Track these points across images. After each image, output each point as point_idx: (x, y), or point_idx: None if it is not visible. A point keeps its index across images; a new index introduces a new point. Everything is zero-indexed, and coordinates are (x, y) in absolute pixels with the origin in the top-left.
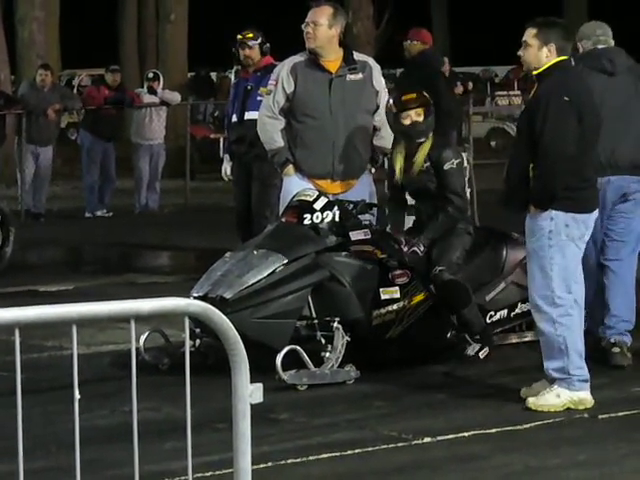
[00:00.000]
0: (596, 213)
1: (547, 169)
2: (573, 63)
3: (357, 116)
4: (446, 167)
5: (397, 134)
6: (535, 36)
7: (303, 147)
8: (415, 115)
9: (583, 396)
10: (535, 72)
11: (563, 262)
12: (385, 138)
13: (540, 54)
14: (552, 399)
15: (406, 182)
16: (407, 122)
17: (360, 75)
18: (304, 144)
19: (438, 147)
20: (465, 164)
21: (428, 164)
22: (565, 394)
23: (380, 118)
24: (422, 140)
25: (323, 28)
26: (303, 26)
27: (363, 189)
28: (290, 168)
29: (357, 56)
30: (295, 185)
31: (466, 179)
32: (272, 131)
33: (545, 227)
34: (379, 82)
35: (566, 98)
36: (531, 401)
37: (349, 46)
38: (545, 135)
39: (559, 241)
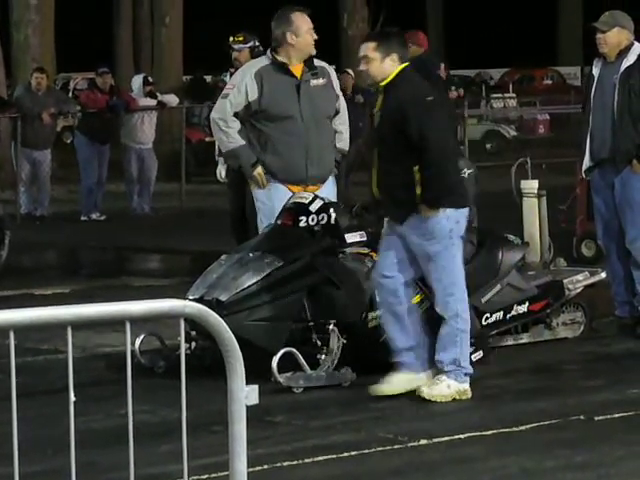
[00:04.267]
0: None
1: (440, 168)
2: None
3: (324, 121)
4: None
5: None
6: (376, 49)
7: (275, 154)
8: None
9: (466, 387)
10: (383, 83)
11: (459, 259)
12: (345, 141)
13: (384, 65)
14: (444, 390)
15: None
16: None
17: (322, 80)
18: (277, 151)
19: None
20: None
21: None
22: (454, 385)
23: (341, 121)
24: None
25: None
26: (307, 33)
27: (329, 190)
28: (261, 168)
29: (315, 61)
30: (283, 193)
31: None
32: (232, 132)
33: (446, 226)
34: (338, 86)
35: (429, 98)
36: (425, 391)
37: None
38: (429, 137)
39: (456, 239)
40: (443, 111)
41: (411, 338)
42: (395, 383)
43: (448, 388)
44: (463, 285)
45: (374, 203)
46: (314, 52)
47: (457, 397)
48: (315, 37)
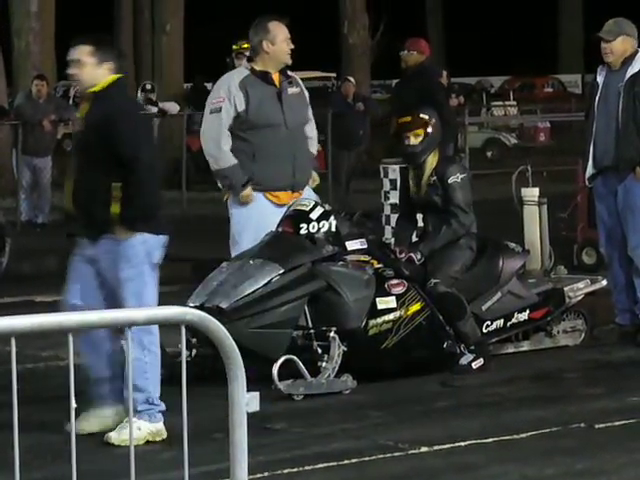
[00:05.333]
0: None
1: (144, 189)
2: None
3: (303, 128)
4: (450, 181)
5: (400, 155)
6: (91, 54)
7: (263, 161)
8: (413, 137)
9: (160, 427)
10: (93, 90)
11: (153, 287)
12: (315, 146)
13: (98, 72)
14: (134, 432)
15: (415, 196)
16: (405, 143)
17: (296, 89)
18: (264, 158)
19: (445, 162)
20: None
21: (435, 178)
22: (145, 426)
23: (312, 128)
24: (422, 160)
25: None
26: (283, 42)
27: (310, 193)
28: (250, 189)
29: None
30: (267, 209)
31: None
32: (225, 150)
33: (141, 251)
34: (307, 96)
35: (141, 113)
36: (113, 437)
37: None
38: (139, 155)
39: (151, 266)
40: (151, 129)
41: (105, 369)
42: (91, 421)
43: (139, 430)
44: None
45: (66, 219)
46: (289, 62)
47: (151, 439)
48: (291, 46)
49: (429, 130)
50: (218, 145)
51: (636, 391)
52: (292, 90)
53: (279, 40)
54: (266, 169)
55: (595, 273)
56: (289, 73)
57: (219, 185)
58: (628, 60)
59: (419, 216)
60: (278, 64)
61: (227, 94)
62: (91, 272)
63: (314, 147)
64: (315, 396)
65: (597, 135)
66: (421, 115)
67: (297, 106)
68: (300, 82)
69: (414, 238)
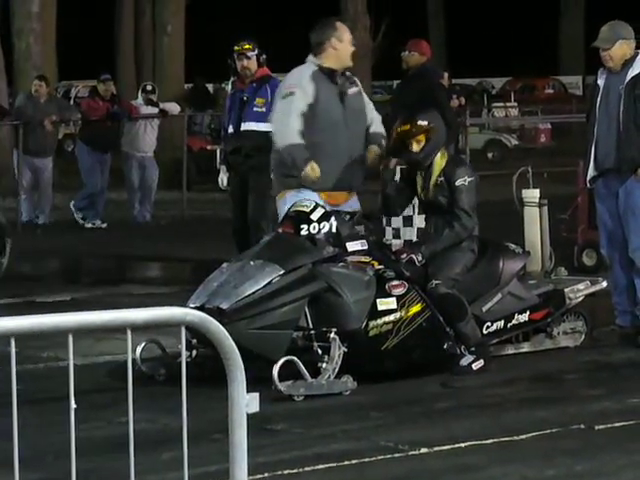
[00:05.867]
0: None
1: None
2: None
3: (362, 128)
4: (457, 183)
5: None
6: None
7: (324, 160)
8: (415, 144)
9: None
10: None
11: None
12: (380, 126)
13: None
14: None
15: (423, 197)
16: (409, 149)
17: (356, 88)
18: (325, 157)
19: (453, 163)
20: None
21: (442, 179)
22: None
23: (376, 120)
24: (426, 164)
25: None
26: (349, 43)
27: (354, 200)
28: (314, 163)
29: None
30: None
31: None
32: (295, 127)
33: None
34: (366, 95)
35: None
36: None
37: None
38: None
39: None
40: None
41: None
42: None
43: None
44: None
45: None
46: (352, 64)
47: None
48: (353, 49)
49: (430, 135)
50: (286, 122)
51: (636, 392)
52: (352, 90)
53: (346, 39)
54: (325, 168)
55: (595, 274)
56: (347, 73)
57: (274, 182)
58: (628, 62)
59: (422, 217)
60: (343, 64)
61: (299, 83)
62: None
63: (380, 127)
64: (315, 397)
65: (598, 137)
66: (419, 122)
67: (358, 106)
68: (357, 81)
69: (414, 239)
